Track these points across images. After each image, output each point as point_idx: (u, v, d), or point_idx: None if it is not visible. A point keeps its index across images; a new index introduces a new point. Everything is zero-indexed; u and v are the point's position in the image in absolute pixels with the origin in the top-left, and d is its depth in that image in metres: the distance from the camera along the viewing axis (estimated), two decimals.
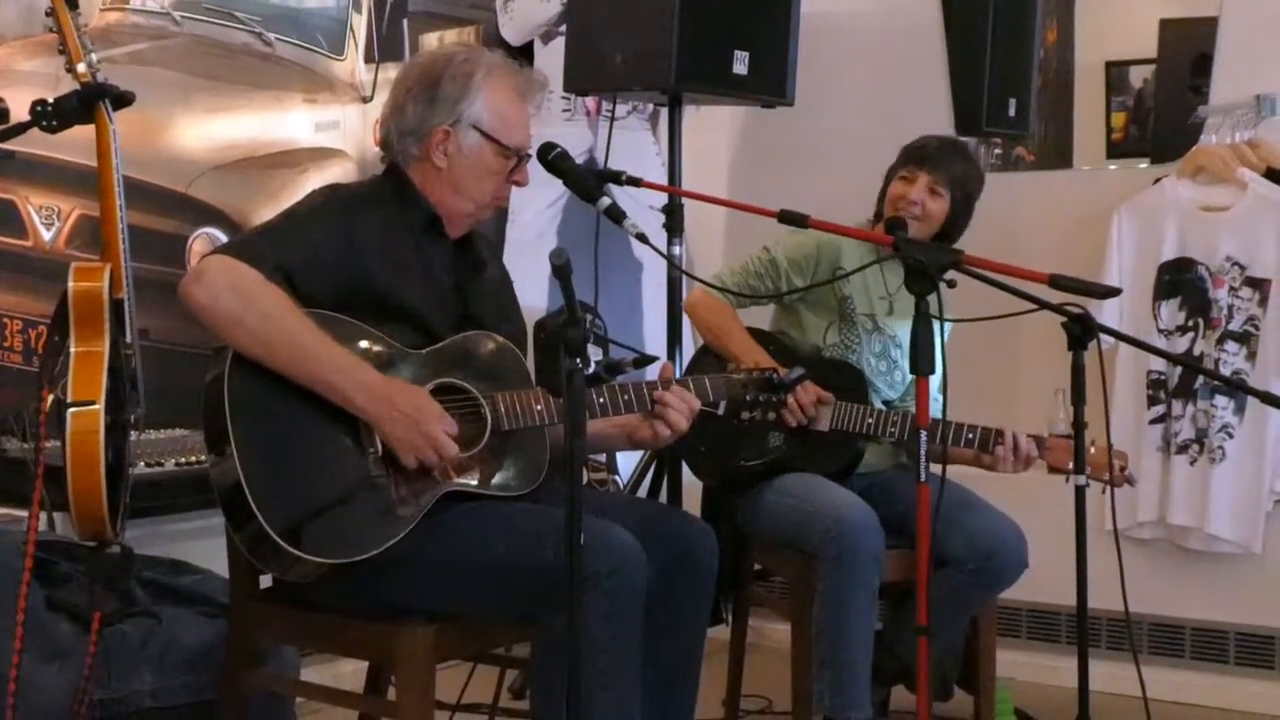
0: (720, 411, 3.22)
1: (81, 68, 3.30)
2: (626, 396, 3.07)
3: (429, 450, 2.87)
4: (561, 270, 2.49)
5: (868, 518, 3.76)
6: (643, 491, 4.83)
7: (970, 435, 3.79)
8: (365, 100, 4.98)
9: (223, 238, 4.42)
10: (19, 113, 3.38)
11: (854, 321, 4.05)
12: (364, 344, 2.96)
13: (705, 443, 4.08)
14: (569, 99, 5.41)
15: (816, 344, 4.05)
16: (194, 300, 2.85)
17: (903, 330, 4.05)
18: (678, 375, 3.25)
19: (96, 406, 3.10)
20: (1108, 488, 3.78)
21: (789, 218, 3.19)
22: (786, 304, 4.11)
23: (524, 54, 5.40)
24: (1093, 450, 3.69)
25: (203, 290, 2.85)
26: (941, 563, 3.75)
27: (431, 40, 5.25)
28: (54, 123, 3.25)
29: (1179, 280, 4.68)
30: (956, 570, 3.78)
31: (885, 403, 4.07)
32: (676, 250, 4.64)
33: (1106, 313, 4.48)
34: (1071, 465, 3.73)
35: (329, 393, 2.86)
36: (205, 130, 4.53)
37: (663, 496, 4.67)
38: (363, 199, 3.10)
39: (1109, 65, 5.59)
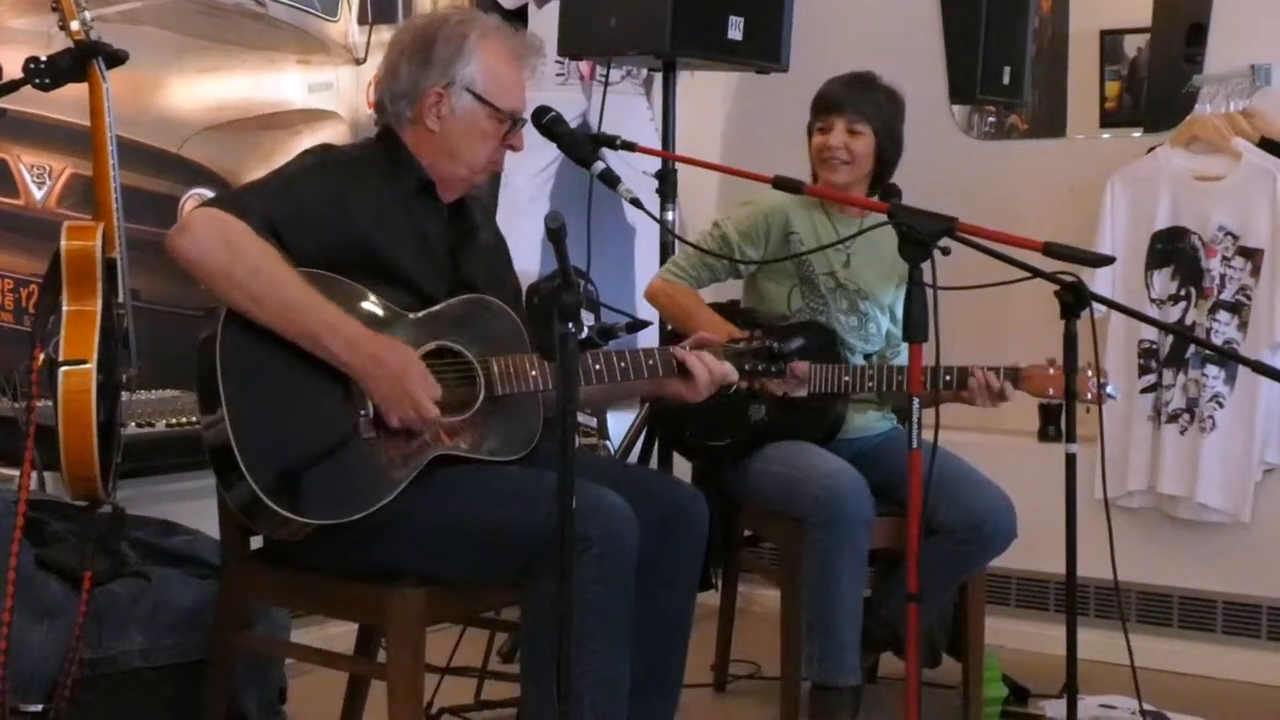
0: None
1: (75, 26, 3.28)
2: (624, 364, 3.06)
3: (409, 409, 2.87)
4: (556, 234, 2.49)
5: (856, 483, 3.77)
6: (634, 457, 4.84)
7: (948, 377, 3.77)
8: (358, 62, 4.97)
9: None
10: (11, 70, 3.36)
11: (815, 283, 4.03)
12: (359, 304, 2.95)
13: (688, 426, 4.09)
14: (563, 63, 5.39)
15: (782, 312, 4.03)
16: (181, 252, 2.85)
17: (865, 283, 4.05)
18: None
19: (89, 365, 3.09)
20: (1099, 459, 3.78)
21: (783, 183, 3.19)
22: (747, 277, 4.11)
23: (518, 17, 5.37)
24: (1051, 372, 3.72)
25: (190, 242, 2.84)
26: (930, 531, 3.75)
27: (425, 2, 5.23)
28: (47, 81, 3.24)
29: (1172, 250, 4.68)
30: (945, 539, 3.78)
31: (865, 358, 4.06)
32: (670, 215, 4.64)
33: (1099, 281, 4.48)
34: (1052, 391, 3.77)
35: (315, 347, 2.85)
36: (198, 90, 4.51)
37: (653, 461, 4.67)
38: (355, 161, 3.09)
39: (1103, 34, 5.58)
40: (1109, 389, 3.74)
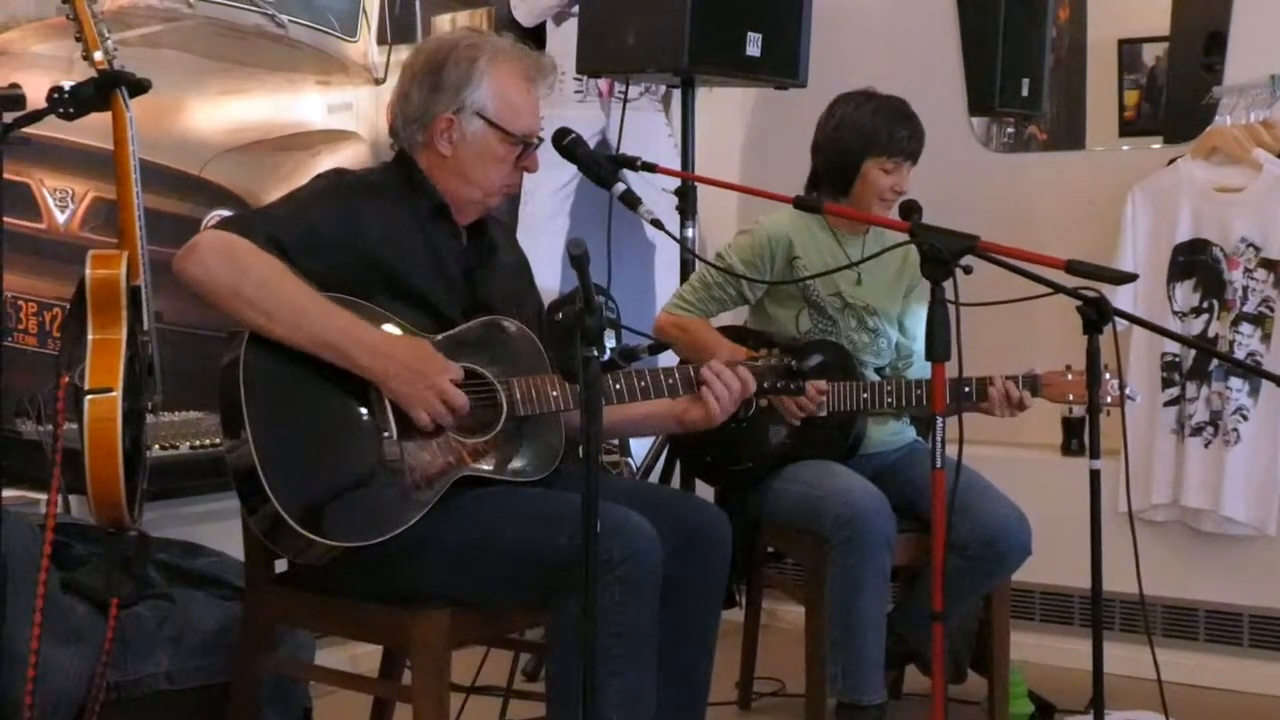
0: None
1: (98, 55, 3.29)
2: (644, 383, 3.06)
3: (436, 402, 2.87)
4: (579, 261, 2.48)
5: (878, 501, 3.77)
6: (655, 476, 4.84)
7: (968, 389, 3.78)
8: (378, 82, 4.99)
9: None
10: (34, 96, 3.38)
11: (821, 305, 4.02)
12: (380, 325, 2.95)
13: (710, 452, 4.09)
14: (581, 80, 5.40)
15: (792, 334, 4.03)
16: (188, 274, 2.86)
17: (875, 299, 4.05)
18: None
19: (114, 393, 3.10)
20: (1123, 473, 3.78)
21: (804, 204, 3.18)
22: (754, 304, 4.11)
23: (536, 35, 5.39)
24: (1070, 378, 3.72)
25: (195, 263, 2.85)
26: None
27: (444, 22, 5.25)
28: (71, 110, 3.24)
29: (1193, 262, 4.67)
30: (958, 555, 3.76)
31: (877, 371, 4.06)
32: (689, 233, 4.64)
33: (1121, 295, 4.45)
34: (1072, 397, 3.78)
35: (332, 355, 2.86)
36: (218, 112, 4.54)
37: (675, 480, 4.68)
38: (368, 185, 3.10)
39: (1121, 43, 5.57)
40: (1129, 390, 3.74)
